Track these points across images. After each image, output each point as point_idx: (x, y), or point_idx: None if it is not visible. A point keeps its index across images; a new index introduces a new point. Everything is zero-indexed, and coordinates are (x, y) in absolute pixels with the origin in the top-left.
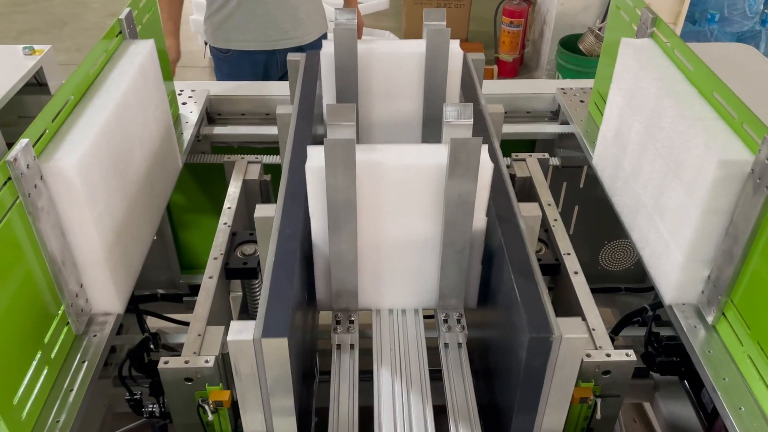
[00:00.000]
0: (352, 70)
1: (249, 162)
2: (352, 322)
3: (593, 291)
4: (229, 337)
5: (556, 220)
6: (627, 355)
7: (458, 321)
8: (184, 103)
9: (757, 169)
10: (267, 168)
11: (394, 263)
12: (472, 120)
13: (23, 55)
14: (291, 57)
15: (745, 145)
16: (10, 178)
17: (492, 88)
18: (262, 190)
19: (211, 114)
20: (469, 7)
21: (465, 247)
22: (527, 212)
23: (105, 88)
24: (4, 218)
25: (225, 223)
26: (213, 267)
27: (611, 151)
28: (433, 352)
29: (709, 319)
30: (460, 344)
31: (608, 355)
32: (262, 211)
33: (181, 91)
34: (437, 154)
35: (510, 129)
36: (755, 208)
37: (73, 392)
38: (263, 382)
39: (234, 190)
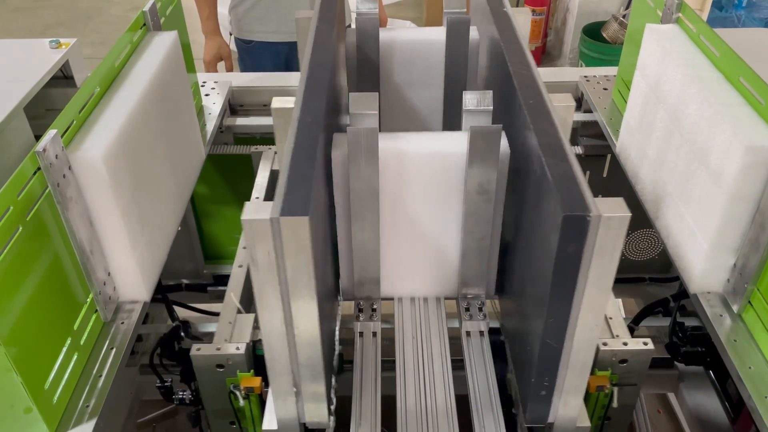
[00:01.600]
0: (373, 58)
1: (276, 153)
2: (374, 310)
3: (617, 281)
4: (244, 216)
5: None
6: (644, 344)
7: (480, 309)
8: (207, 95)
9: None
10: None
11: (415, 251)
12: (492, 107)
13: (49, 48)
14: (301, 14)
15: None
16: (39, 169)
17: None
18: None
19: (234, 105)
20: None
21: (485, 235)
22: (559, 101)
23: (130, 80)
24: (34, 208)
25: None
26: (243, 256)
27: (635, 139)
28: (454, 341)
29: (735, 307)
30: (482, 332)
31: (625, 344)
32: (280, 102)
33: (204, 82)
34: (458, 142)
35: None
36: None
37: (102, 378)
38: (282, 270)
39: (262, 180)
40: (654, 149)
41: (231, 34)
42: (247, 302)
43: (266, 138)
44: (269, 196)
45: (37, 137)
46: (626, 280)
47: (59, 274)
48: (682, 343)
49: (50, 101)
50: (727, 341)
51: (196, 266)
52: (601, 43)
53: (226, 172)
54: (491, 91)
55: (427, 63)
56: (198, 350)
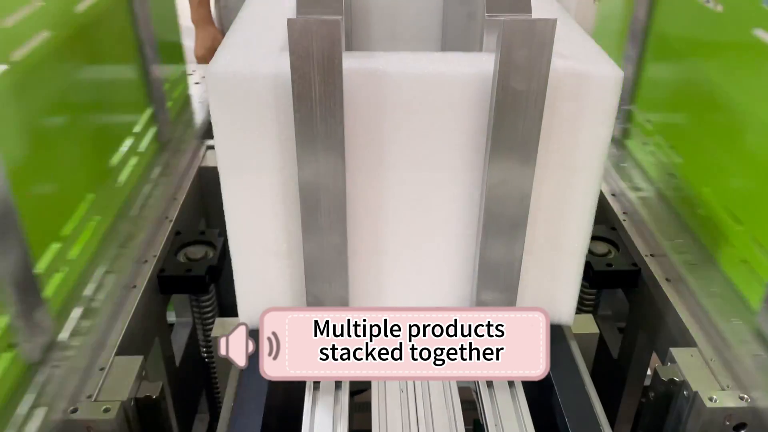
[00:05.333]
0: None
1: (209, 147)
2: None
3: None
4: None
5: (626, 213)
6: None
7: None
8: (197, 83)
9: None
10: None
11: (407, 256)
12: (532, 15)
13: None
14: None
15: None
16: None
17: None
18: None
19: None
20: None
21: (520, 224)
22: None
23: None
24: None
25: (167, 218)
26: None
27: None
28: (467, 405)
29: None
30: (511, 383)
31: (743, 398)
32: None
33: (194, 71)
34: (478, 62)
35: None
36: None
37: None
38: None
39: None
40: None
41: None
42: (137, 339)
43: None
44: (191, 199)
45: None
46: None
47: None
48: None
49: None
50: None
51: None
52: None
53: None
54: None
55: None
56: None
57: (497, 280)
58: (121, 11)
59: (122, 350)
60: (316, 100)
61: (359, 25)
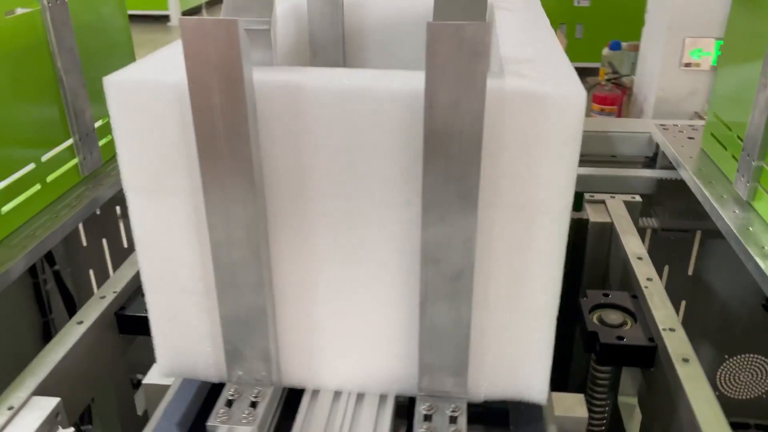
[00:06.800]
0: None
1: None
2: (254, 405)
3: None
4: None
5: (650, 279)
6: None
7: (452, 419)
8: None
9: None
10: None
11: (339, 304)
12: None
13: None
14: None
15: None
16: None
17: None
18: None
19: None
20: None
21: (466, 270)
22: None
23: None
24: None
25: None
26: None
27: None
28: None
29: None
30: None
31: None
32: None
33: None
34: (413, 79)
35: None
36: None
37: None
38: None
39: None
40: None
41: None
42: (80, 380)
43: None
44: None
45: None
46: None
47: None
48: None
49: None
50: None
51: None
52: None
53: None
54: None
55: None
56: None
57: (442, 341)
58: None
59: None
60: (218, 114)
61: (355, 53)
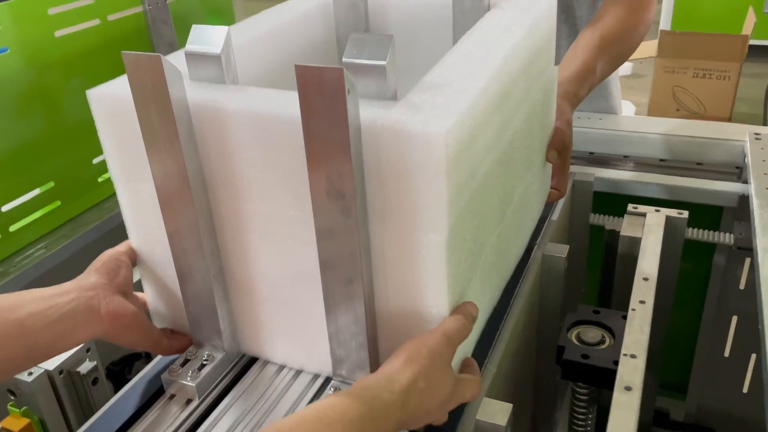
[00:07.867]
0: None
1: None
2: (202, 367)
3: None
4: None
5: (642, 302)
6: None
7: None
8: None
9: None
10: None
11: (275, 296)
12: (386, 62)
13: None
14: None
15: None
16: None
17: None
18: None
19: None
20: (737, 81)
21: (356, 277)
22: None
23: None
24: None
25: None
26: None
27: None
28: None
29: None
30: None
31: None
32: None
33: None
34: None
35: (647, 178)
36: None
37: None
38: None
39: None
40: None
41: None
42: None
43: None
44: None
45: None
46: None
47: None
48: None
49: None
50: None
51: None
52: None
53: None
54: (391, 36)
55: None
56: None
57: (346, 337)
58: None
59: None
60: (157, 125)
61: None
